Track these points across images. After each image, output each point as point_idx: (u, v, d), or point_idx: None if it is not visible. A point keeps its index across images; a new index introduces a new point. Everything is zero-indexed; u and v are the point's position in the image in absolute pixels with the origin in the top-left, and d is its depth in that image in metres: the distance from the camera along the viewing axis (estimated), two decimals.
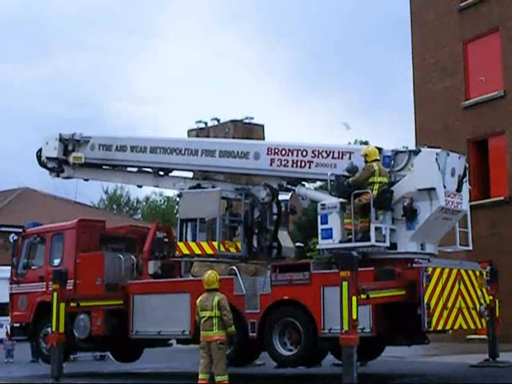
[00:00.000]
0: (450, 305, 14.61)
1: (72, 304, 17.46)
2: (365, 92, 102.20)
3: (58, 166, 20.33)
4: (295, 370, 16.68)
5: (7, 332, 23.10)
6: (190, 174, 19.18)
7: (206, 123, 20.85)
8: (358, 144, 42.89)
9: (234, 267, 16.75)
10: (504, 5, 27.45)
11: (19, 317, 19.94)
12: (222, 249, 16.82)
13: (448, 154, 15.18)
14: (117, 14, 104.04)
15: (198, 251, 17.00)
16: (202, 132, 21.64)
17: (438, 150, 15.14)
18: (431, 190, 14.74)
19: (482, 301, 15.65)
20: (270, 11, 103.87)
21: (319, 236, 15.50)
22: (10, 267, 20.51)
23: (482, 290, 15.74)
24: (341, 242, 15.08)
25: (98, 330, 17.98)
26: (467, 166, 15.88)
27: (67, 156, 20.08)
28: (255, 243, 17.40)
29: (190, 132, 22.32)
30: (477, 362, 17.50)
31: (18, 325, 20.26)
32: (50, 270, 18.53)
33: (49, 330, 17.28)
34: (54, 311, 16.21)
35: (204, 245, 16.90)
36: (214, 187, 17.83)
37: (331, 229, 15.24)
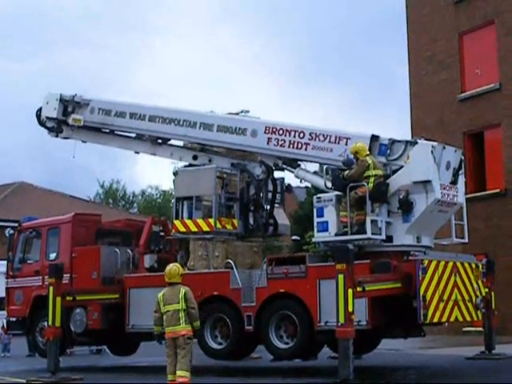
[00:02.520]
0: (445, 297, 14.64)
1: (68, 298, 17.39)
2: (363, 88, 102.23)
3: (57, 126, 20.29)
4: (291, 362, 16.67)
5: (3, 326, 23.08)
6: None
7: None
8: None
9: (230, 261, 16.77)
10: None
11: (15, 311, 19.92)
12: (219, 226, 16.76)
13: (444, 148, 15.17)
14: (117, 12, 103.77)
15: (194, 229, 16.96)
16: None
17: (434, 143, 15.13)
18: (427, 182, 14.73)
19: (478, 293, 15.68)
20: (268, 9, 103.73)
21: (315, 229, 15.50)
22: (5, 261, 20.50)
23: (477, 283, 15.77)
24: (337, 234, 15.09)
25: (94, 323, 17.98)
26: (463, 158, 15.90)
27: (67, 117, 20.00)
28: (251, 220, 17.36)
29: None
30: (473, 355, 17.54)
31: (14, 319, 20.24)
32: (46, 264, 18.46)
33: (45, 324, 17.19)
34: (51, 305, 16.15)
35: (200, 222, 16.84)
36: (210, 161, 17.80)
37: (327, 222, 15.25)
